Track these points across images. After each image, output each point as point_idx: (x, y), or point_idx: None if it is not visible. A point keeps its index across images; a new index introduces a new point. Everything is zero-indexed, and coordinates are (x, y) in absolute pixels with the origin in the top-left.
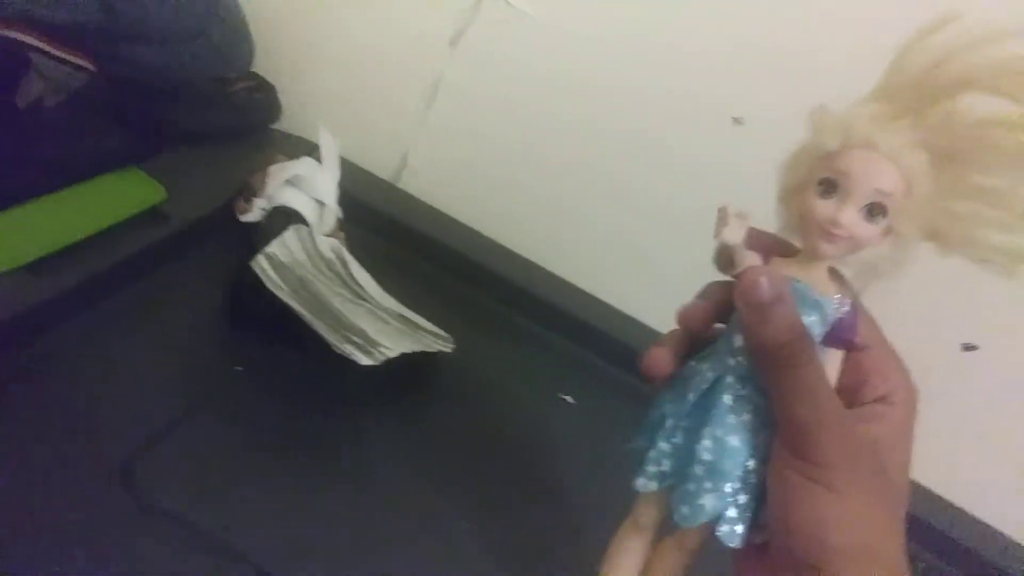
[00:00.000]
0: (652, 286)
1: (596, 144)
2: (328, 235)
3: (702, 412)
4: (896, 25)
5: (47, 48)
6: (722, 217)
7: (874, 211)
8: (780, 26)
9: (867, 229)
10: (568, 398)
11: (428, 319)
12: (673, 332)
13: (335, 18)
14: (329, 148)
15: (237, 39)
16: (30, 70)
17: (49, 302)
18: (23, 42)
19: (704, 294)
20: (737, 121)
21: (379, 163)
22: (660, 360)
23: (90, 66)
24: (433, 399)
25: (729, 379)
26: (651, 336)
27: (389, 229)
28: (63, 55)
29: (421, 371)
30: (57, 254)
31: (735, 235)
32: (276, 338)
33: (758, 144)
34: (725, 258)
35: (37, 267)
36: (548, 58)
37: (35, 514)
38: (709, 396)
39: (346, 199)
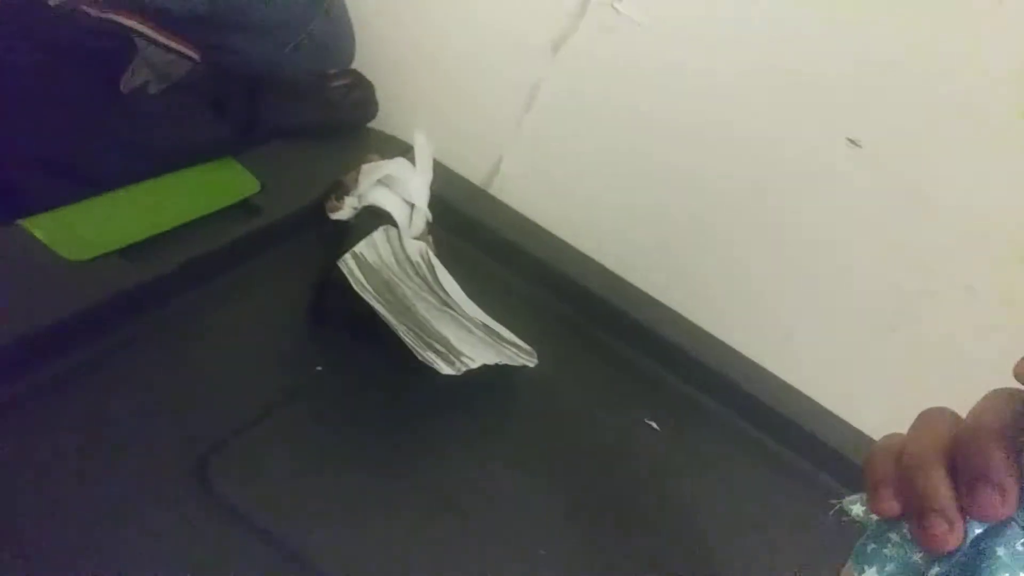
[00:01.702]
0: (749, 311)
1: (699, 157)
2: (417, 238)
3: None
4: None
5: (154, 35)
6: None
7: None
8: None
9: None
10: (653, 424)
11: (513, 331)
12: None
13: (437, 18)
14: (423, 150)
15: (339, 35)
16: (136, 56)
17: (140, 288)
18: (132, 28)
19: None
20: (853, 143)
21: (472, 168)
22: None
23: (194, 55)
24: (512, 414)
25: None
26: (742, 363)
27: (479, 236)
28: (169, 43)
29: (502, 384)
30: (150, 240)
31: None
32: (359, 339)
33: (874, 168)
34: None
35: (131, 252)
36: (655, 67)
37: (109, 500)
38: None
39: (437, 202)
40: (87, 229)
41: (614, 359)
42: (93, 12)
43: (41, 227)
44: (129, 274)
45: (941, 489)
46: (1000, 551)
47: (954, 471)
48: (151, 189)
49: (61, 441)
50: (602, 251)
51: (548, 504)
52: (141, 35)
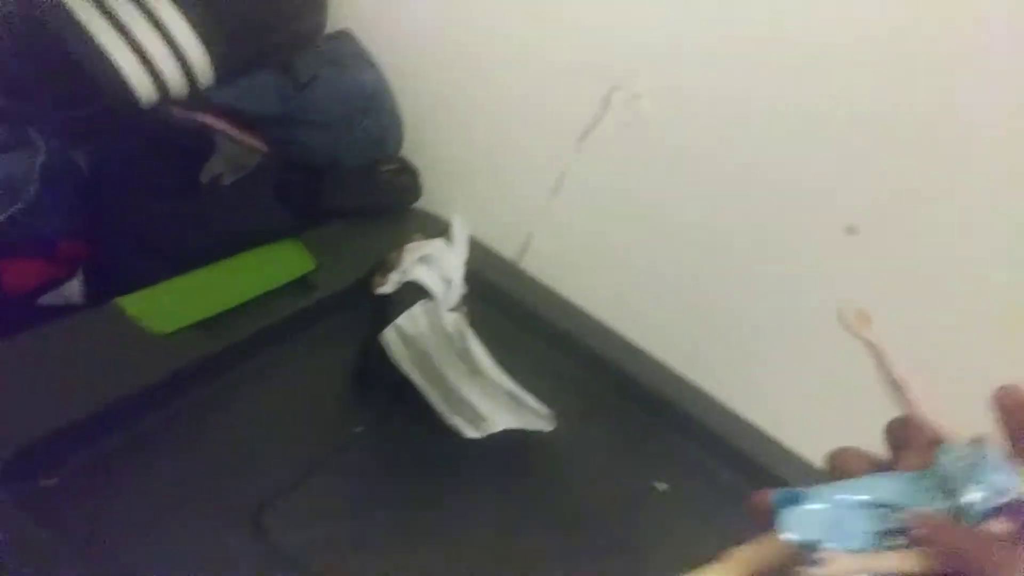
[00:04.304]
0: (760, 384)
1: (712, 239)
2: (452, 310)
3: None
4: None
5: (230, 131)
6: None
7: None
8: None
9: None
10: (661, 485)
11: (536, 395)
12: None
13: (475, 107)
14: (460, 230)
15: (390, 126)
16: (215, 151)
17: (210, 358)
18: (210, 125)
19: None
20: (851, 230)
21: (505, 244)
22: None
23: (263, 147)
24: (531, 474)
25: None
26: (750, 432)
27: (509, 307)
28: (242, 138)
29: (523, 445)
30: (222, 315)
31: None
32: (396, 403)
33: (873, 254)
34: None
35: (206, 325)
36: (669, 156)
37: (172, 549)
38: None
39: (472, 276)
40: (170, 305)
41: (629, 424)
42: (178, 112)
43: (132, 304)
44: (203, 345)
45: None
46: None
47: None
48: (224, 269)
49: (137, 495)
50: (622, 323)
51: (555, 558)
52: (219, 131)
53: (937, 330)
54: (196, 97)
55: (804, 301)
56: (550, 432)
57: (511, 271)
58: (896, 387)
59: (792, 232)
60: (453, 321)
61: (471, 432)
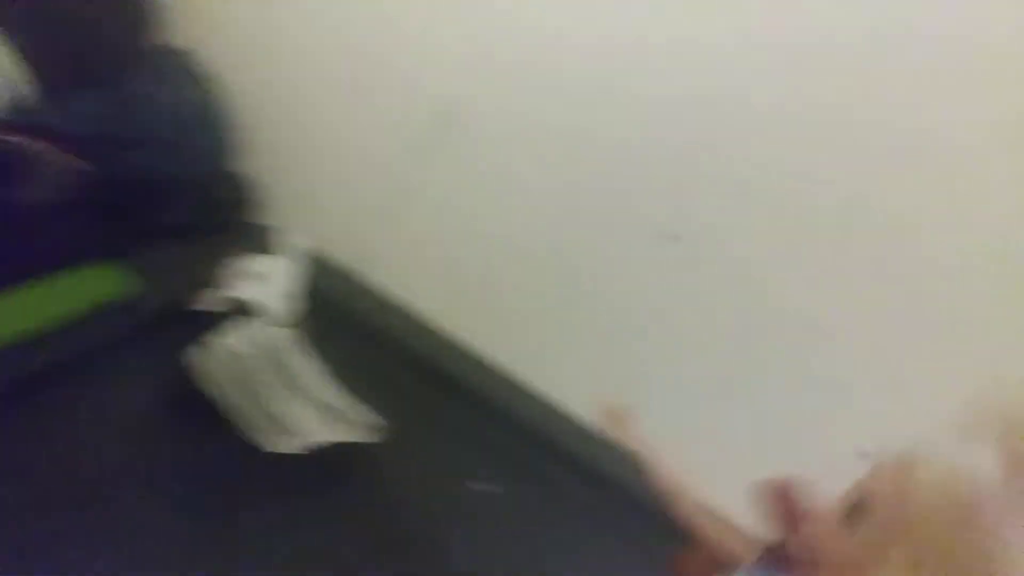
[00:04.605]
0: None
1: (543, 254)
2: (282, 326)
3: None
4: None
5: (50, 152)
6: None
7: None
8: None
9: None
10: (484, 486)
11: (372, 405)
12: None
13: (312, 124)
14: (295, 244)
15: (223, 142)
16: (36, 172)
17: (17, 382)
18: (33, 147)
19: None
20: (674, 238)
21: (345, 257)
22: None
23: (88, 167)
24: (361, 487)
25: None
26: (581, 434)
27: (349, 318)
28: (63, 158)
29: (352, 459)
30: (40, 336)
31: None
32: (210, 423)
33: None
34: None
35: (9, 350)
36: (503, 174)
37: None
38: None
39: (310, 289)
40: None
41: (465, 431)
42: None
43: None
44: (8, 369)
45: None
46: None
47: None
48: (33, 292)
49: None
50: (463, 327)
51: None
52: (41, 152)
53: (750, 328)
54: (17, 117)
55: (631, 302)
56: (379, 442)
57: (350, 281)
58: (670, 494)
59: (618, 239)
60: (277, 337)
61: (285, 448)
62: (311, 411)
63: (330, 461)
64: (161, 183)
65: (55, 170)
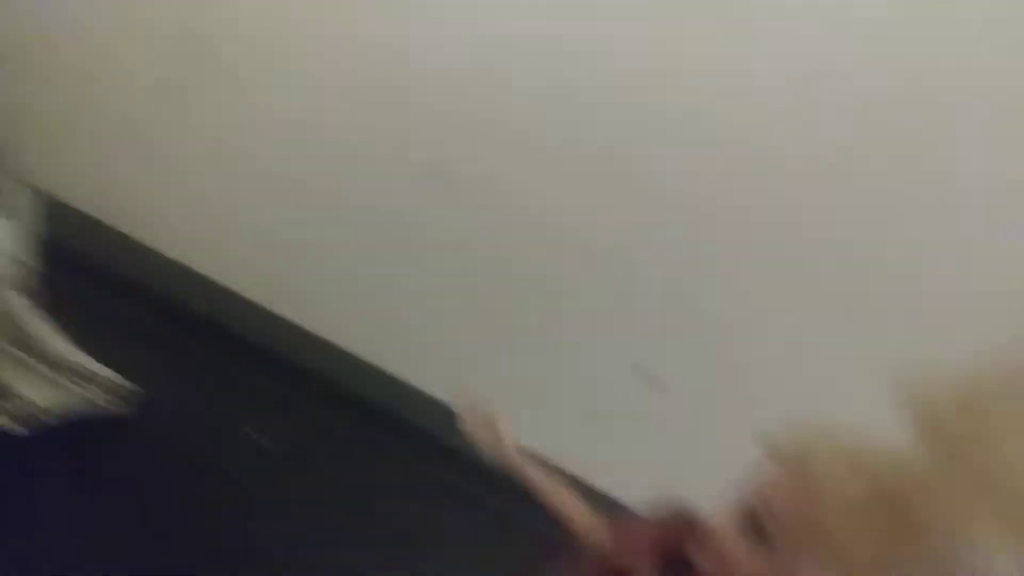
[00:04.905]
0: (389, 329)
1: (308, 189)
2: (15, 289)
3: None
4: None
5: None
6: None
7: None
8: None
9: None
10: (264, 443)
11: (126, 363)
12: None
13: (50, 64)
14: (24, 200)
15: None
16: None
17: None
18: None
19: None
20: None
21: (89, 203)
22: None
23: None
24: (121, 455)
25: None
26: (379, 378)
27: (94, 269)
28: None
29: (110, 428)
30: None
31: None
32: None
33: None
34: None
35: None
36: (255, 113)
37: None
38: None
39: (51, 240)
40: None
41: (235, 383)
42: None
43: None
44: None
45: None
46: None
47: None
48: None
49: None
50: (228, 276)
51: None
52: None
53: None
54: None
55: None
56: (136, 401)
57: (98, 229)
58: (546, 495)
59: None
60: (11, 301)
61: (21, 429)
62: (52, 383)
63: (91, 430)
64: None
65: None
